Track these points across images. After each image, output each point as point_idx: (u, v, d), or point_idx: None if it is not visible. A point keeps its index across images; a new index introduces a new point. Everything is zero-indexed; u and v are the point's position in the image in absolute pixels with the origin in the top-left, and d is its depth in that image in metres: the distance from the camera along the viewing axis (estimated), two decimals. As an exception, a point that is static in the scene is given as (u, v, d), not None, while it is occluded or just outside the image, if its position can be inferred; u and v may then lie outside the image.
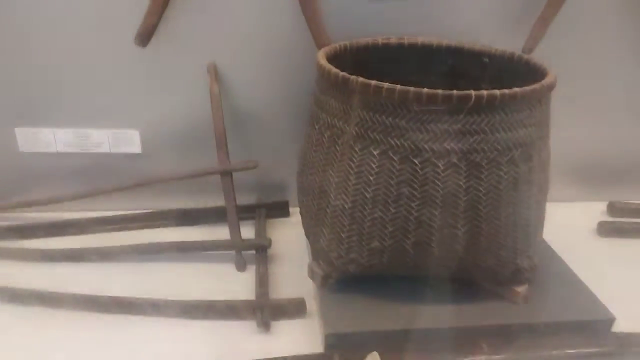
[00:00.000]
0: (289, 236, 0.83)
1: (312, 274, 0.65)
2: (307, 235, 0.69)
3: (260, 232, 0.80)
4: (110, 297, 0.66)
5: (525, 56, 0.68)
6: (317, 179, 0.62)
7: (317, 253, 0.64)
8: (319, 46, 0.73)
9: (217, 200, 0.83)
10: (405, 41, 0.73)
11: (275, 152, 0.88)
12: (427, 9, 0.79)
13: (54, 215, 0.84)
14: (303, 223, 0.70)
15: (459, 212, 0.55)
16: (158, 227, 0.84)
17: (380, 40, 0.72)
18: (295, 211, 0.79)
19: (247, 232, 0.80)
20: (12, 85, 0.79)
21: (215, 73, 0.78)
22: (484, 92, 0.51)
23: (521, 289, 0.63)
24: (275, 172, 0.89)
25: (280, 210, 0.87)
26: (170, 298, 0.67)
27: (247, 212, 0.85)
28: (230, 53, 0.79)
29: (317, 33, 0.74)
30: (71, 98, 0.81)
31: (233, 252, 0.76)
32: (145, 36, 0.73)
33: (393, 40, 0.73)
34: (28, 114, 0.81)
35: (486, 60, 0.70)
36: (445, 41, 0.73)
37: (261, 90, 0.83)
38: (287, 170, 0.85)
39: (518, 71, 0.68)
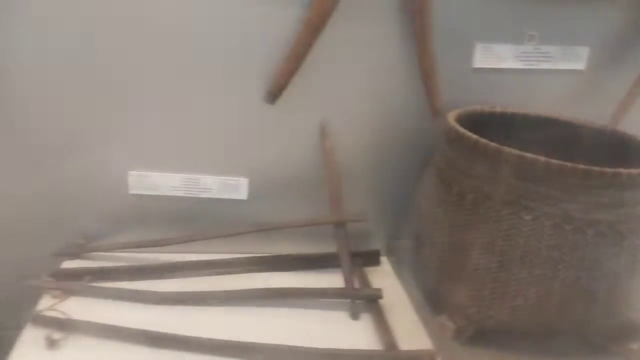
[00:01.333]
0: (383, 285, 0.87)
1: (442, 328, 0.69)
2: (430, 287, 0.73)
3: (365, 281, 0.84)
4: (236, 342, 0.68)
5: (620, 130, 0.76)
6: (450, 236, 0.67)
7: (450, 307, 0.68)
8: (433, 107, 0.80)
9: (315, 247, 0.87)
10: (513, 111, 0.80)
11: (363, 202, 0.92)
12: (517, 81, 0.87)
13: (160, 257, 0.86)
14: (422, 275, 0.74)
15: (601, 275, 0.60)
16: (257, 271, 0.87)
17: (496, 108, 0.79)
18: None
19: (338, 279, 0.83)
20: (127, 130, 0.82)
21: (327, 130, 0.83)
22: (635, 170, 0.57)
23: (636, 346, 0.68)
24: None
25: (372, 258, 0.91)
26: (285, 343, 0.69)
27: (330, 260, 0.88)
28: (341, 109, 0.85)
29: (432, 94, 0.80)
30: (183, 145, 0.84)
31: (341, 300, 0.79)
32: (275, 94, 0.78)
33: (499, 109, 0.80)
34: (140, 158, 0.84)
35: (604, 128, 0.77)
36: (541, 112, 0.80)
37: (361, 145, 0.88)
38: (373, 219, 0.89)
39: (607, 143, 0.75)
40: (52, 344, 0.67)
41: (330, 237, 0.86)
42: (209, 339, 0.68)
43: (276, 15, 0.76)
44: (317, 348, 0.68)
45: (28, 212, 0.85)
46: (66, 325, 0.69)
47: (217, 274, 0.85)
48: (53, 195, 0.84)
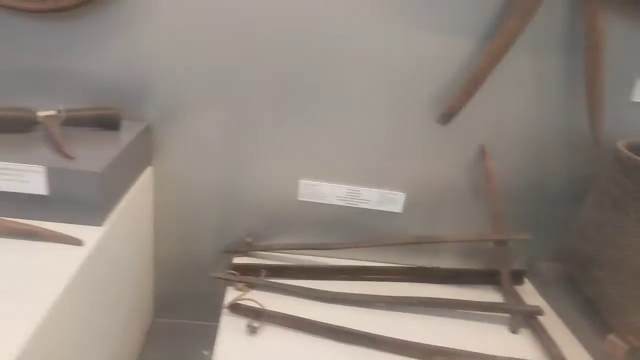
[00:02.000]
0: (530, 303, 0.90)
1: (613, 347, 0.72)
2: (599, 308, 0.76)
3: (517, 298, 0.88)
4: (420, 344, 0.74)
5: None
6: (632, 259, 0.71)
7: (626, 327, 0.72)
8: (595, 137, 0.84)
9: (457, 263, 0.92)
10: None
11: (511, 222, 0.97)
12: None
13: (317, 259, 0.93)
14: (598, 297, 0.78)
15: None
16: (409, 281, 0.93)
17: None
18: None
19: (484, 294, 0.88)
20: (301, 143, 0.90)
21: (488, 151, 0.89)
22: None
23: None
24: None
25: (516, 277, 0.95)
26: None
27: (483, 276, 0.93)
28: (503, 133, 0.90)
29: (596, 125, 0.84)
30: (348, 159, 0.91)
31: (496, 314, 0.84)
32: (449, 117, 0.84)
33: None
34: (310, 169, 0.92)
35: None
36: None
37: (516, 170, 0.93)
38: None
39: None
40: (252, 330, 0.74)
41: (472, 254, 0.91)
42: (394, 339, 0.74)
43: (453, 42, 0.83)
44: (502, 357, 0.73)
45: (206, 211, 0.94)
46: (261, 315, 0.77)
47: (375, 280, 0.91)
48: (230, 196, 0.93)
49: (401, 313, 0.84)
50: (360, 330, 0.75)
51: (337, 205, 0.94)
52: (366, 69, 0.85)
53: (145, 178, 0.87)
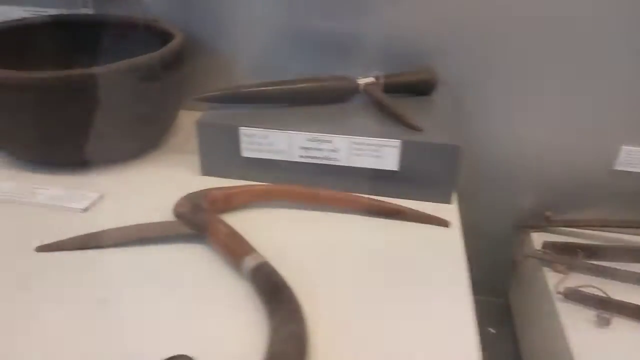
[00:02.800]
0: None
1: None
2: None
3: None
4: None
5: None
6: None
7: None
8: None
9: None
10: None
11: None
12: None
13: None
14: None
15: None
16: None
17: None
18: None
19: None
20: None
21: None
22: None
23: None
24: None
25: None
26: None
27: None
28: None
29: None
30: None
31: None
32: None
33: None
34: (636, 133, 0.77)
35: None
36: None
37: None
38: None
39: None
40: (604, 322, 0.65)
41: None
42: None
43: None
44: None
45: (496, 180, 0.85)
46: (609, 304, 0.67)
47: None
48: (524, 163, 0.83)
49: None
50: None
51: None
52: None
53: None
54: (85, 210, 0.59)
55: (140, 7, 0.81)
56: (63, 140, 0.62)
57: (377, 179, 0.62)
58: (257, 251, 0.48)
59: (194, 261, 0.51)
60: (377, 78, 0.71)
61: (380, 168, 0.61)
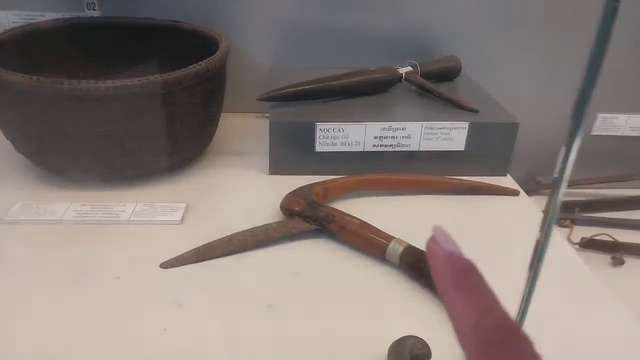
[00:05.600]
0: None
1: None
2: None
3: None
4: None
5: None
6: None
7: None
8: None
9: None
10: None
11: None
12: None
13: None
14: None
15: None
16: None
17: None
18: None
19: None
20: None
21: None
22: None
23: None
24: None
25: None
26: None
27: None
28: None
29: None
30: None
31: None
32: None
33: None
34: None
35: None
36: None
37: None
38: None
39: None
40: (619, 262, 0.77)
41: None
42: None
43: None
44: None
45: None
46: (619, 247, 0.79)
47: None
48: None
49: None
50: None
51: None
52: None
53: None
54: (182, 221, 0.56)
55: (145, 7, 0.77)
56: (140, 149, 0.58)
57: (443, 159, 0.67)
58: (394, 236, 0.51)
59: (330, 255, 0.53)
60: (414, 67, 0.76)
61: (449, 150, 0.66)
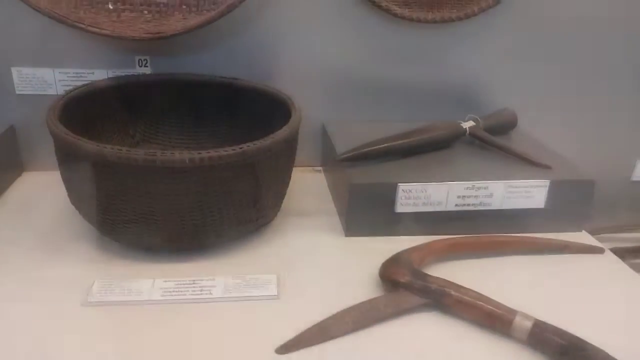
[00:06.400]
0: None
1: None
2: None
3: None
4: None
5: None
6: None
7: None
8: None
9: None
10: None
11: None
12: None
13: None
14: None
15: None
16: None
17: None
18: None
19: None
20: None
21: None
22: None
23: None
24: None
25: None
26: None
27: None
28: None
29: None
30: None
31: None
32: None
33: None
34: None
35: None
36: None
37: None
38: None
39: None
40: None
41: None
42: None
43: None
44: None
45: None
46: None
47: None
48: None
49: None
50: None
51: None
52: None
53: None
54: (278, 297, 0.52)
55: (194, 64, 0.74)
56: (228, 218, 0.55)
57: (521, 217, 0.66)
58: (516, 310, 0.48)
59: (451, 332, 0.50)
60: (475, 121, 0.75)
61: (529, 207, 0.65)
